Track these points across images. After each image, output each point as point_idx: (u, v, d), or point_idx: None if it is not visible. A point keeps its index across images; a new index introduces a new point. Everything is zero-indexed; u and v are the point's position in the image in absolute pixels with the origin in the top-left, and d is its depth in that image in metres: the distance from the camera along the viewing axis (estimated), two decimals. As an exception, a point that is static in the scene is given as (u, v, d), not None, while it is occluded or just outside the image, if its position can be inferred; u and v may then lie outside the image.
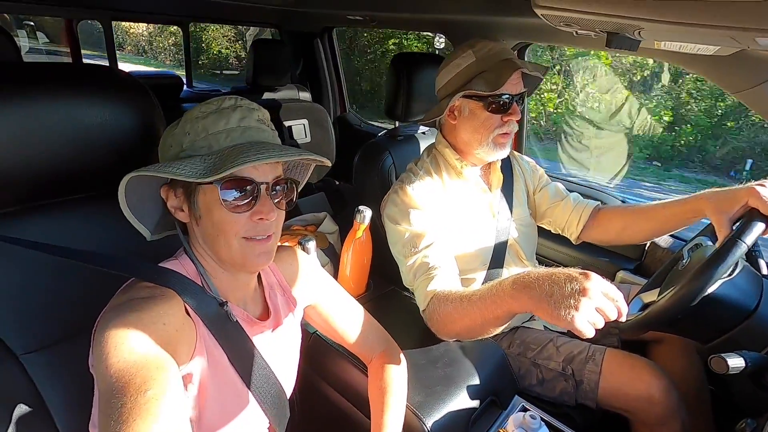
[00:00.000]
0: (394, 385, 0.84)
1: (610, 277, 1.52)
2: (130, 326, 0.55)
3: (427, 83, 1.34)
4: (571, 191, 1.31)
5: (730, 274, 0.83)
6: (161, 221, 0.73)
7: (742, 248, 0.78)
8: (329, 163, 0.71)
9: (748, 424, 0.75)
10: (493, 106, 1.06)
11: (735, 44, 0.63)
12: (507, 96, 1.05)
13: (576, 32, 0.90)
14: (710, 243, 0.94)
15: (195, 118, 0.66)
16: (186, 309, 0.63)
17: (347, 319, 0.89)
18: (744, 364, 0.72)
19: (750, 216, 0.83)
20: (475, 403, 0.90)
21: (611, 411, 1.09)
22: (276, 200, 0.67)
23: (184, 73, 3.36)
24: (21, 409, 0.67)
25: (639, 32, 0.73)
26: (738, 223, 0.84)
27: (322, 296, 0.87)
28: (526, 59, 1.70)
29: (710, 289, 0.78)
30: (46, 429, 0.69)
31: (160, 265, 0.67)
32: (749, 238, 0.79)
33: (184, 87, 3.03)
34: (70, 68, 0.78)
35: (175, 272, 0.66)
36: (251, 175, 0.63)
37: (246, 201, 0.64)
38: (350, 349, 0.92)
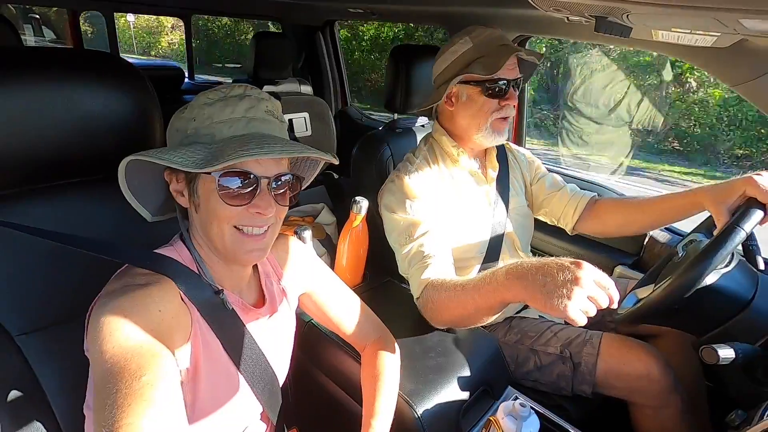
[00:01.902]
0: (386, 372, 0.84)
1: (608, 271, 1.51)
2: (126, 312, 0.55)
3: (426, 75, 1.33)
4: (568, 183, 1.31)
5: (727, 265, 0.83)
6: (164, 204, 0.73)
7: (741, 235, 0.78)
8: (336, 161, 0.69)
9: (738, 416, 0.75)
10: (490, 91, 1.06)
11: (721, 27, 0.63)
12: (503, 81, 1.06)
13: (567, 18, 0.89)
14: (705, 239, 0.94)
15: (202, 104, 0.65)
16: (181, 296, 0.63)
17: (341, 307, 0.89)
18: (734, 355, 0.72)
19: (748, 204, 0.84)
20: (467, 393, 0.90)
21: (608, 398, 1.09)
22: (277, 195, 0.66)
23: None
24: (16, 389, 0.67)
25: (627, 16, 0.73)
26: (737, 213, 0.85)
27: (317, 284, 0.87)
28: None
29: (706, 280, 0.78)
30: (41, 410, 0.69)
31: (155, 251, 0.67)
32: (747, 225, 0.79)
33: (186, 79, 3.04)
34: (70, 53, 0.78)
35: (170, 259, 0.66)
36: (252, 169, 0.62)
37: (244, 194, 0.63)
38: (344, 337, 0.93)
